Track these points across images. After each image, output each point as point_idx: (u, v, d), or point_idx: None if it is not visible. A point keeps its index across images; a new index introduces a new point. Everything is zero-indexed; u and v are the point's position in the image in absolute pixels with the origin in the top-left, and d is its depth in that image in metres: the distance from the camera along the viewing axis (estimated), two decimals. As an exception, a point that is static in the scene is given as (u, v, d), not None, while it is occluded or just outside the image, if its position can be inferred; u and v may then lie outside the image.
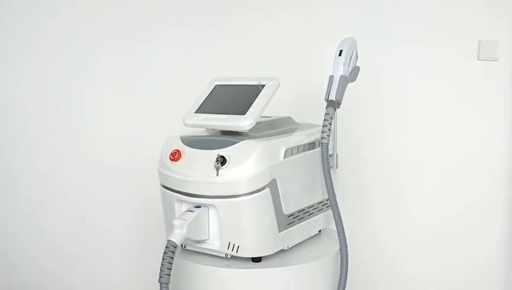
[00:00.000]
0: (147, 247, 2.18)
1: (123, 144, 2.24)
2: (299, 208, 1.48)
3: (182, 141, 1.46)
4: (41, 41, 2.24)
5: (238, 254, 1.38)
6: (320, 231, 1.64)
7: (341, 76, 1.50)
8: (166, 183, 1.46)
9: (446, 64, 2.00)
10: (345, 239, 1.50)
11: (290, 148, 1.43)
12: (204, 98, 1.55)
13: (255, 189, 1.34)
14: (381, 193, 2.11)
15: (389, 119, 2.08)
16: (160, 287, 1.27)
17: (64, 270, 2.35)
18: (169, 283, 1.27)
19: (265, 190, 1.35)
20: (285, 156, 1.41)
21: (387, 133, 2.08)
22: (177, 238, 1.31)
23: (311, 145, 1.53)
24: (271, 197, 1.37)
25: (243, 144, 1.36)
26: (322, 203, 1.59)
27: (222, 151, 1.35)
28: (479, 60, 1.97)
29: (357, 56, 1.56)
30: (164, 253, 1.28)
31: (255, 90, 1.45)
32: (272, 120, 1.54)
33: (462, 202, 2.05)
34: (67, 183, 2.30)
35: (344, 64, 1.50)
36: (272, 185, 1.37)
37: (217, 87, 1.56)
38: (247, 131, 1.40)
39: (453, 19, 1.98)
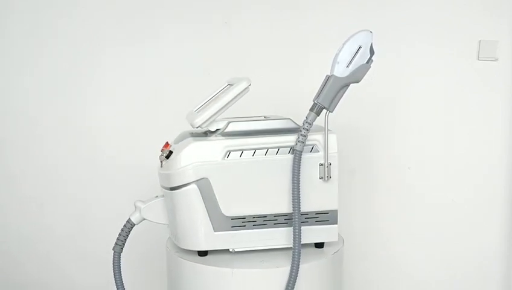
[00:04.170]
0: (148, 246, 2.19)
1: (124, 143, 2.25)
2: (253, 214, 1.42)
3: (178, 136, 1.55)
4: (42, 41, 2.25)
5: (175, 243, 1.48)
6: (322, 244, 1.50)
7: (330, 76, 1.37)
8: None
9: (446, 64, 2.01)
10: (299, 261, 1.37)
11: (238, 150, 1.39)
12: (210, 97, 1.58)
13: (180, 184, 1.39)
14: (381, 193, 2.11)
15: (389, 119, 2.08)
16: (113, 255, 1.52)
17: (65, 268, 2.36)
18: (121, 252, 1.52)
19: (190, 186, 1.38)
20: (227, 157, 1.39)
21: (387, 133, 2.08)
22: (134, 217, 1.51)
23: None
24: (200, 195, 1.38)
25: (184, 141, 1.42)
26: (307, 216, 1.43)
27: (174, 146, 1.44)
28: (479, 60, 1.97)
29: (371, 52, 1.38)
30: (122, 228, 1.51)
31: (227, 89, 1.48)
32: (251, 121, 1.48)
33: (462, 201, 2.05)
34: (68, 182, 2.31)
35: (339, 63, 1.36)
36: (202, 184, 1.38)
37: (226, 87, 1.58)
38: (198, 128, 1.44)
39: (453, 19, 1.98)
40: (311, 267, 1.41)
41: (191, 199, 1.39)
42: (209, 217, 1.40)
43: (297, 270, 1.36)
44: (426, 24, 2.00)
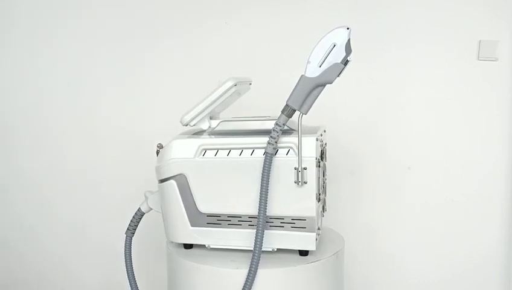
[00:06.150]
0: (148, 248, 2.20)
1: (124, 144, 2.26)
2: (228, 213, 1.43)
3: None
4: (42, 43, 2.28)
5: (165, 234, 1.54)
6: (307, 252, 1.44)
7: (301, 76, 1.31)
8: None
9: (446, 64, 2.00)
10: (257, 266, 1.34)
11: (213, 149, 1.41)
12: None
13: (163, 178, 1.46)
14: (381, 193, 2.11)
15: (389, 119, 2.08)
16: (125, 239, 1.65)
17: (68, 264, 2.38)
18: (132, 237, 1.65)
19: (170, 181, 1.44)
20: (202, 155, 1.42)
21: (387, 133, 2.08)
22: (143, 206, 1.61)
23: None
24: (177, 190, 1.44)
25: (172, 138, 1.47)
26: (282, 221, 1.40)
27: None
28: (479, 60, 1.97)
29: (347, 51, 1.26)
30: (133, 215, 1.63)
31: None
32: (241, 121, 1.49)
33: (462, 201, 2.04)
34: (68, 184, 2.33)
35: (310, 62, 1.29)
36: (180, 179, 1.44)
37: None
38: (185, 126, 1.49)
39: (453, 19, 1.98)
40: (272, 272, 1.38)
41: (170, 192, 1.45)
42: (186, 212, 1.45)
43: (255, 274, 1.34)
44: (426, 24, 2.00)
